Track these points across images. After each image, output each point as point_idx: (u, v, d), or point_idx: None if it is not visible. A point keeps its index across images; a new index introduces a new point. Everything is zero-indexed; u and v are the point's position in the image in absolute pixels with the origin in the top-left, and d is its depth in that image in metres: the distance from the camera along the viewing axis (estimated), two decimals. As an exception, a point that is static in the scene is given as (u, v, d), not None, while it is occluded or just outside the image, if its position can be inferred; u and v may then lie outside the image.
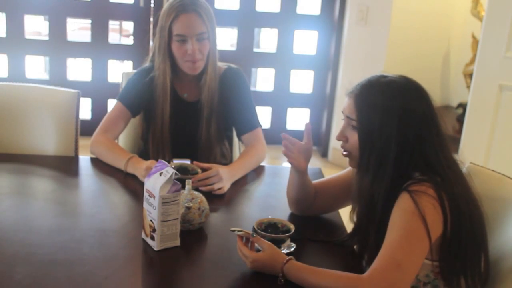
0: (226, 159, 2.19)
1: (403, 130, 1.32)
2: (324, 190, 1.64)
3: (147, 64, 2.10)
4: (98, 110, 4.29)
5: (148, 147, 2.08)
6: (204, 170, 1.81)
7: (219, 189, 1.78)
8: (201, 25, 1.93)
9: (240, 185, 1.88)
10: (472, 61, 3.84)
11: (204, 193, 1.62)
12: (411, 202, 1.26)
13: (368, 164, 1.37)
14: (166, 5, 1.97)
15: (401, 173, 1.33)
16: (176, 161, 1.86)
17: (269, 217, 1.51)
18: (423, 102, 1.35)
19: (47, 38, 4.26)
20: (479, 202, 1.36)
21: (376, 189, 1.36)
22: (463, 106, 4.03)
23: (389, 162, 1.33)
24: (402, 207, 1.28)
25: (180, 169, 1.80)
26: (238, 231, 1.34)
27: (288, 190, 1.65)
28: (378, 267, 1.21)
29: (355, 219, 1.48)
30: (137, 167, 1.83)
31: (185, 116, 2.07)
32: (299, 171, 1.57)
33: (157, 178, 1.39)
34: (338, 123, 4.32)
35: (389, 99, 1.34)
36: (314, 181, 1.65)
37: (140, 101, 2.06)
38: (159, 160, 1.46)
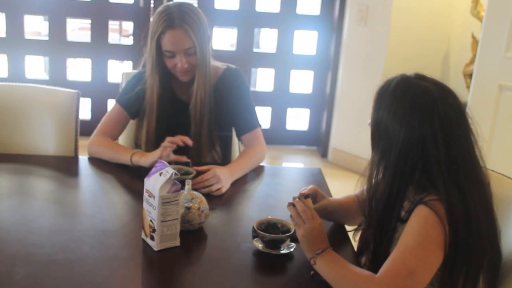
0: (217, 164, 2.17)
1: (406, 140, 1.28)
2: None
3: (141, 68, 2.10)
4: (98, 110, 4.29)
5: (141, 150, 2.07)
6: (202, 172, 1.81)
7: (218, 190, 1.78)
8: (187, 40, 1.90)
9: (239, 185, 1.88)
10: (472, 61, 3.84)
11: (204, 194, 1.62)
12: (431, 212, 1.24)
13: (372, 162, 1.36)
14: (155, 14, 1.95)
15: (403, 182, 1.31)
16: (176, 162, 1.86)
17: (269, 217, 1.51)
18: (433, 120, 1.27)
19: (47, 38, 4.26)
20: (495, 229, 1.32)
21: (377, 190, 1.35)
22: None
23: (390, 167, 1.31)
24: (421, 215, 1.25)
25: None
26: (299, 196, 1.42)
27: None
28: (389, 271, 1.20)
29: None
30: (147, 153, 1.86)
31: (181, 117, 2.06)
32: (330, 207, 1.57)
33: (157, 178, 1.39)
34: (338, 123, 4.32)
35: (397, 102, 1.31)
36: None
37: (138, 102, 2.06)
38: (159, 160, 1.46)
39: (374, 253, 1.38)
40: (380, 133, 1.34)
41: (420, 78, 1.34)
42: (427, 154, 1.28)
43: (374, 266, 1.28)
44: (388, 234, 1.34)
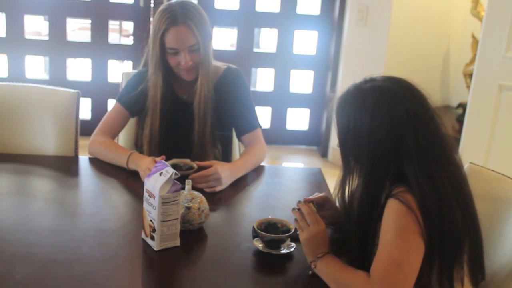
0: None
1: (375, 138, 1.30)
2: None
3: (142, 68, 2.10)
4: (98, 110, 4.29)
5: (143, 150, 2.07)
6: (203, 167, 1.81)
7: (213, 187, 1.78)
8: (191, 37, 1.91)
9: (240, 185, 1.88)
10: (472, 61, 3.85)
11: (204, 193, 1.62)
12: (400, 203, 1.25)
13: (345, 170, 1.37)
14: (157, 13, 1.95)
15: (380, 181, 1.32)
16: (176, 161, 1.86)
17: (269, 217, 1.51)
18: (399, 110, 1.29)
19: (47, 38, 4.26)
20: (471, 210, 1.32)
21: (356, 195, 1.36)
22: (463, 106, 4.03)
23: (365, 169, 1.32)
24: (392, 207, 1.27)
25: (172, 165, 1.79)
26: (304, 201, 1.43)
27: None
28: (379, 268, 1.22)
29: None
30: (139, 163, 1.83)
31: (182, 117, 2.06)
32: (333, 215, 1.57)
33: (157, 178, 1.39)
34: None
35: (359, 106, 1.32)
36: None
37: (139, 101, 2.06)
38: (159, 160, 1.46)
39: (359, 252, 1.38)
40: (350, 142, 1.35)
41: (371, 80, 1.36)
42: (399, 147, 1.29)
43: (364, 265, 1.29)
44: (370, 233, 1.34)
